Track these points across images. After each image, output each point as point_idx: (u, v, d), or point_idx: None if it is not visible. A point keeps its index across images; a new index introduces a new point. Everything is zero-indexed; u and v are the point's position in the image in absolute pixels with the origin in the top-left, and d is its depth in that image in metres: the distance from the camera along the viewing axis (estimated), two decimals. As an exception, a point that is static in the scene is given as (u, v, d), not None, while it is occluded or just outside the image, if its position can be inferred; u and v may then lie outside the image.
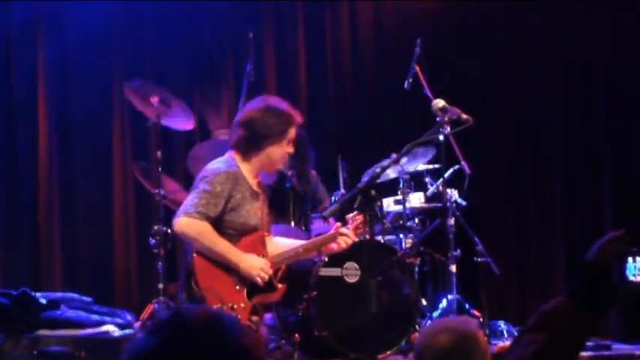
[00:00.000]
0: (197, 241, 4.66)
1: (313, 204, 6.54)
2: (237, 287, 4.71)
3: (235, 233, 4.75)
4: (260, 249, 4.84)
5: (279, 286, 4.89)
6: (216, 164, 4.81)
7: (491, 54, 8.27)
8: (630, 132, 8.14)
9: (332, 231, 4.96)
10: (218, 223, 4.70)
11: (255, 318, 4.83)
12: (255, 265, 4.70)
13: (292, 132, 4.83)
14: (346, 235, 4.86)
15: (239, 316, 4.59)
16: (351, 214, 5.03)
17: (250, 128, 4.78)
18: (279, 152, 4.81)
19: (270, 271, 4.77)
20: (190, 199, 4.69)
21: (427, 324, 6.54)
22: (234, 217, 4.71)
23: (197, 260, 4.70)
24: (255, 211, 4.80)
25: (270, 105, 4.87)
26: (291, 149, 4.87)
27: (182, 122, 6.85)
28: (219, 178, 4.68)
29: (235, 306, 4.68)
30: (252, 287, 4.77)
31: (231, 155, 4.84)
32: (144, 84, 6.72)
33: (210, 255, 4.68)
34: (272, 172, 5.02)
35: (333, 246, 4.94)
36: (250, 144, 4.79)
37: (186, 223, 4.64)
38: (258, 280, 4.70)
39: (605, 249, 2.11)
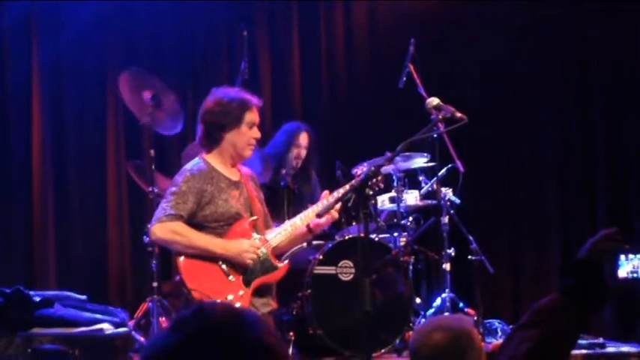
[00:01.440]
0: (175, 242, 4.66)
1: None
2: (230, 277, 4.67)
3: (219, 225, 4.72)
4: (249, 234, 4.80)
5: (280, 264, 4.83)
6: (186, 166, 4.88)
7: (486, 53, 8.28)
8: (625, 131, 8.15)
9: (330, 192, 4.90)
10: (199, 221, 4.70)
11: (262, 300, 4.74)
12: (242, 248, 4.67)
13: (249, 116, 4.80)
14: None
15: (238, 305, 4.52)
16: (358, 169, 4.99)
17: (206, 122, 4.83)
18: (242, 139, 4.79)
19: (256, 250, 4.72)
20: (161, 206, 4.73)
21: (421, 322, 6.55)
22: (212, 209, 4.70)
23: (180, 263, 4.68)
24: (235, 199, 4.78)
25: (220, 95, 4.88)
26: (256, 134, 4.84)
27: (171, 125, 6.76)
28: (183, 178, 4.73)
29: (232, 297, 4.61)
30: (249, 272, 4.73)
31: (200, 155, 4.89)
32: (140, 73, 6.68)
33: (194, 252, 4.65)
34: (242, 160, 4.92)
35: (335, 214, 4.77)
36: (210, 137, 4.82)
37: (159, 228, 4.65)
38: (249, 261, 4.68)
39: (597, 246, 2.12)
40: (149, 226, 4.78)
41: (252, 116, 4.82)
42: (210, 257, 4.69)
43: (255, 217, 4.83)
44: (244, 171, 4.97)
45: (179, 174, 4.81)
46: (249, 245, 4.71)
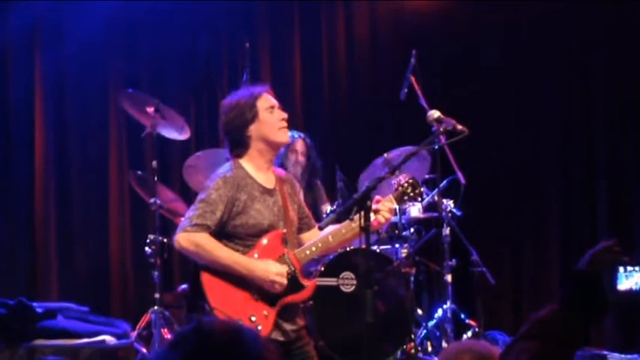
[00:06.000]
0: (198, 254, 4.37)
1: (315, 214, 6.53)
2: (255, 296, 4.39)
3: (249, 236, 4.43)
4: (279, 248, 4.48)
5: (307, 282, 4.52)
6: (218, 171, 4.57)
7: (486, 59, 8.30)
8: (627, 144, 8.15)
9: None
10: (229, 230, 4.42)
11: (288, 320, 4.45)
12: (269, 272, 4.36)
13: (262, 102, 4.53)
14: (381, 210, 4.49)
15: (260, 327, 4.30)
16: (394, 180, 4.68)
17: (227, 130, 4.54)
18: (267, 126, 4.49)
19: (284, 275, 4.39)
20: (187, 214, 4.46)
21: (421, 332, 6.56)
22: (243, 220, 4.40)
23: (205, 277, 4.39)
24: (269, 209, 4.48)
25: (227, 102, 4.60)
26: (281, 114, 4.52)
27: (177, 132, 6.88)
28: (215, 184, 4.42)
29: (254, 317, 4.34)
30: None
31: (234, 159, 4.57)
32: (139, 93, 6.78)
33: (217, 267, 4.36)
34: (279, 148, 4.62)
35: (372, 222, 4.38)
36: (238, 144, 4.52)
37: (184, 238, 4.37)
38: (277, 288, 4.36)
39: (596, 258, 2.13)
40: (176, 232, 4.45)
41: (265, 101, 4.55)
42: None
43: (284, 230, 4.52)
44: (280, 174, 4.67)
45: (210, 179, 4.51)
46: (277, 270, 4.39)
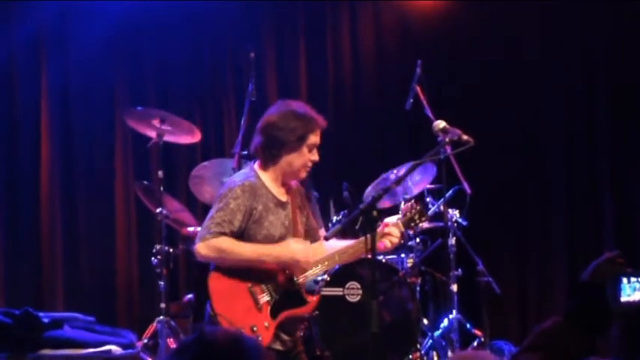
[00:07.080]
0: (223, 259, 4.43)
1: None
2: (259, 306, 4.45)
3: None
4: None
5: (310, 298, 4.60)
6: (235, 178, 4.62)
7: (490, 66, 8.29)
8: (629, 145, 8.13)
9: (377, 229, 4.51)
10: (241, 239, 4.47)
11: (288, 333, 4.53)
12: (293, 255, 4.48)
13: (312, 138, 4.54)
14: (389, 234, 4.60)
15: (261, 337, 4.35)
16: (403, 205, 4.81)
17: (267, 135, 4.55)
18: (300, 160, 4.54)
19: (309, 258, 4.52)
20: (205, 223, 4.49)
21: (427, 342, 6.56)
22: (256, 230, 4.47)
23: (212, 283, 4.46)
24: (280, 221, 4.55)
25: (285, 109, 4.61)
26: (315, 157, 4.58)
27: (187, 137, 6.90)
28: (233, 193, 4.45)
29: (256, 327, 4.39)
30: (278, 305, 4.49)
31: (252, 166, 4.64)
32: (143, 110, 6.77)
33: (244, 265, 4.42)
34: (293, 180, 4.66)
35: (379, 245, 4.50)
36: (267, 152, 4.54)
37: (204, 247, 4.42)
38: (308, 266, 4.49)
39: (600, 269, 2.14)
40: (195, 243, 4.51)
41: (315, 138, 4.57)
42: (242, 281, 4.47)
43: None
44: (293, 185, 4.71)
45: (227, 187, 4.54)
46: (298, 248, 4.51)
